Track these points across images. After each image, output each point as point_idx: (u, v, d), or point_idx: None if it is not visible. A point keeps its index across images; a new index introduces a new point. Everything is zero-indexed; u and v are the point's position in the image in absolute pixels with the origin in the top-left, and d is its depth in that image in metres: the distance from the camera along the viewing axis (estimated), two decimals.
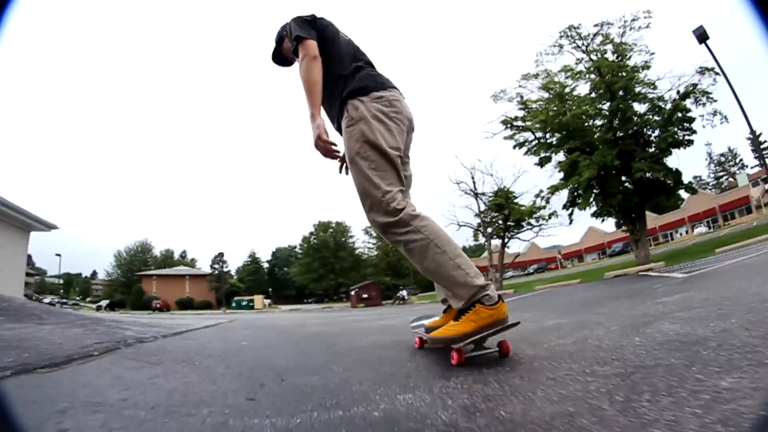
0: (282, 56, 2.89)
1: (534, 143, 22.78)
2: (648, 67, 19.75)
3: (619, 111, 19.53)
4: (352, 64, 2.52)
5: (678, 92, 19.14)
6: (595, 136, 20.58)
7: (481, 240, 30.48)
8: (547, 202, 23.20)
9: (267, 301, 56.12)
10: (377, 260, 74.93)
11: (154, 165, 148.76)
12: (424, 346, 2.72)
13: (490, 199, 28.11)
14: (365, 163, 2.27)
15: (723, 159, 79.69)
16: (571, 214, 21.73)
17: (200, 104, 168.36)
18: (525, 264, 71.99)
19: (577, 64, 21.54)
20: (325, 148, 2.34)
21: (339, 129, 2.50)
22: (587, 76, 21.16)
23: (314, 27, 2.56)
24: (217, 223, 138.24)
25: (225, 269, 75.50)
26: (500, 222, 27.85)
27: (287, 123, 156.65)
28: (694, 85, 18.82)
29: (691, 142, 18.92)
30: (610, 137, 19.90)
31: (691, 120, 18.83)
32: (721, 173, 79.14)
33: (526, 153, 23.10)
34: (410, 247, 2.19)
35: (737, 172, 72.65)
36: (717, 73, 18.29)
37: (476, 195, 28.34)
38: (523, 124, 22.95)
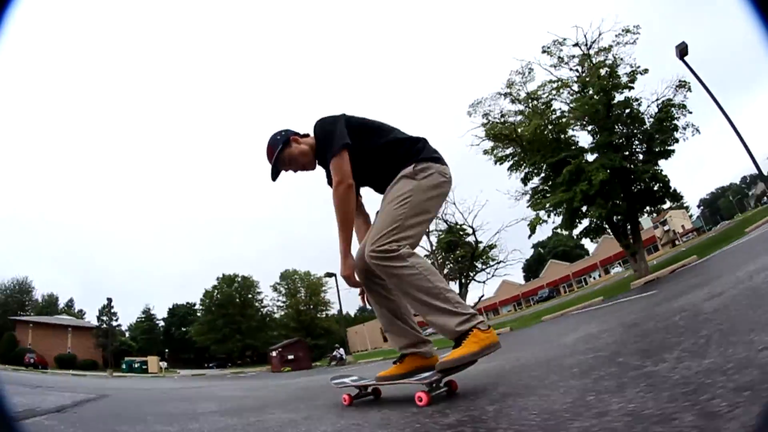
0: (278, 165, 2.88)
1: (515, 157, 23.46)
2: (633, 80, 20.45)
3: (615, 118, 20.51)
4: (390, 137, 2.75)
5: (658, 106, 20.26)
6: (593, 141, 21.25)
7: None
8: (548, 216, 22.38)
9: (163, 364, 49.41)
10: (287, 320, 69.75)
11: (40, 196, 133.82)
12: (354, 403, 2.79)
13: (440, 236, 26.91)
14: (402, 210, 2.48)
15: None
16: (573, 226, 22.42)
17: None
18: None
19: (556, 81, 22.20)
20: (353, 284, 2.73)
21: (382, 190, 2.72)
22: (570, 87, 21.96)
23: (340, 122, 2.68)
24: (109, 273, 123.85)
25: (115, 322, 65.77)
26: (454, 262, 26.76)
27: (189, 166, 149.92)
28: (670, 100, 20.05)
29: (672, 151, 20.08)
30: (611, 141, 20.32)
31: (675, 128, 19.86)
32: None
33: (510, 168, 23.81)
34: (406, 278, 2.37)
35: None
36: (689, 90, 19.71)
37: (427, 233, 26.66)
38: (508, 134, 23.20)
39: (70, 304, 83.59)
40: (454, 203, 26.60)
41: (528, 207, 24.26)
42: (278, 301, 73.97)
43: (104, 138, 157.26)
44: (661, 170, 19.92)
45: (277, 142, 2.82)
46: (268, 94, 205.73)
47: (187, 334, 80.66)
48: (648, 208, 21.89)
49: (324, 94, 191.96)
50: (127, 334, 76.16)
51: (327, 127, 2.69)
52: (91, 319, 70.86)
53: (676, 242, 60.19)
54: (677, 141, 19.92)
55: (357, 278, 2.69)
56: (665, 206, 22.80)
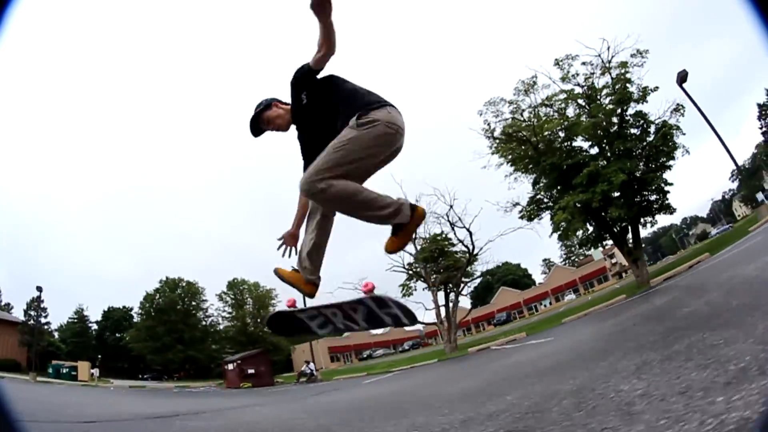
0: (258, 124, 3.24)
1: (525, 160, 24.27)
2: (646, 96, 21.99)
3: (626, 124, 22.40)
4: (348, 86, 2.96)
5: (659, 124, 21.92)
6: (606, 148, 22.83)
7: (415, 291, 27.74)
8: (568, 231, 23.83)
9: (94, 371, 43.93)
10: (234, 332, 65.28)
11: None
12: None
13: (423, 245, 25.75)
14: (338, 154, 2.65)
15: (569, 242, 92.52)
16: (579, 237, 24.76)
17: None
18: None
19: (567, 92, 23.59)
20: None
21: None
22: (576, 101, 23.51)
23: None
24: (41, 268, 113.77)
25: (44, 319, 57.24)
26: (439, 272, 25.73)
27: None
28: (664, 122, 21.72)
29: (670, 167, 22.16)
30: (629, 149, 21.85)
31: (675, 147, 21.78)
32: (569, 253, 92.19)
33: (516, 170, 24.85)
34: (334, 193, 2.61)
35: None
36: (682, 115, 21.82)
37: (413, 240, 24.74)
38: (525, 135, 24.06)
39: None
40: (451, 206, 25.41)
41: (521, 218, 25.66)
42: (224, 311, 69.14)
43: (46, 122, 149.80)
44: (668, 181, 21.88)
45: (260, 105, 3.21)
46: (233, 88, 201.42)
47: (122, 340, 74.96)
48: (647, 218, 23.00)
49: None
50: (56, 335, 68.39)
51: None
52: (19, 315, 63.01)
53: (623, 274, 63.04)
54: (674, 158, 21.95)
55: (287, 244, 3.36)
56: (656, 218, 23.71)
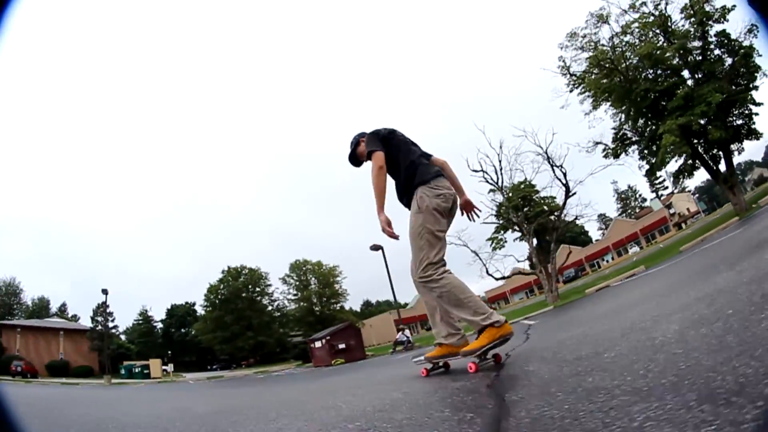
0: (356, 157, 4.27)
1: (614, 90, 23.93)
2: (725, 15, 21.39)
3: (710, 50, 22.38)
4: (413, 157, 3.87)
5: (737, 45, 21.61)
6: (693, 70, 22.63)
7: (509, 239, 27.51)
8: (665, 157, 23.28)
9: (169, 368, 43.72)
10: (300, 313, 63.68)
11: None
12: (430, 374, 3.87)
13: (508, 195, 25.13)
14: (421, 236, 3.57)
15: (624, 195, 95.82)
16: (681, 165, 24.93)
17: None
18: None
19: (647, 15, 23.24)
20: (389, 234, 3.71)
21: (407, 204, 3.84)
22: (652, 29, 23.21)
23: (382, 139, 3.91)
24: (102, 277, 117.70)
25: (111, 323, 58.32)
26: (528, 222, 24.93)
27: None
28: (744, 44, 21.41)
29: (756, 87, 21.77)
30: (713, 71, 21.80)
31: (757, 68, 21.64)
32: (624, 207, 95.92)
33: (602, 102, 25.00)
34: (441, 293, 3.50)
35: (643, 203, 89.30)
36: (755, 36, 20.73)
37: (500, 188, 25.00)
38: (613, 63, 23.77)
39: (62, 308, 78.55)
40: (546, 150, 23.85)
41: (605, 156, 25.78)
42: (289, 294, 67.27)
43: (95, 138, 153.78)
44: (756, 101, 21.73)
45: (352, 143, 4.29)
46: (270, 91, 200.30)
47: (188, 335, 76.43)
48: (736, 144, 23.08)
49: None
50: (122, 338, 69.52)
51: (369, 141, 3.94)
52: (86, 323, 63.90)
53: (683, 225, 61.50)
54: (755, 80, 21.65)
55: (391, 230, 3.71)
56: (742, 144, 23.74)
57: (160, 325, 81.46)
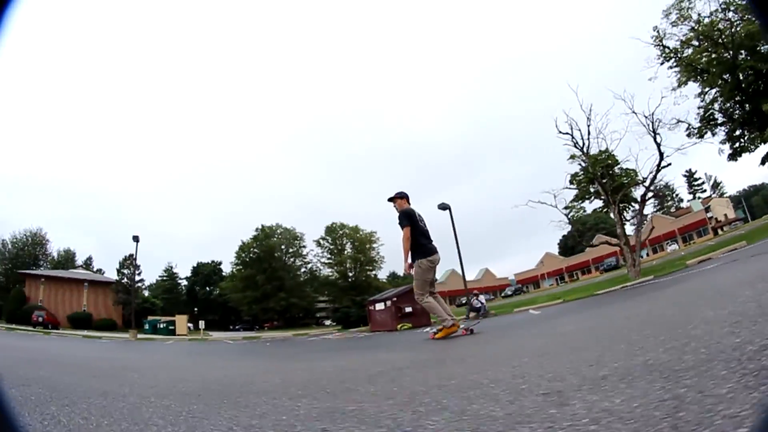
0: (393, 201, 7.64)
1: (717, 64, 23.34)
2: None
3: None
4: (422, 239, 7.21)
5: None
6: None
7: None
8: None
9: (199, 325, 39.95)
10: (334, 277, 61.32)
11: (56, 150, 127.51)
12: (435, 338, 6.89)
13: (594, 160, 24.26)
14: (419, 281, 7.09)
15: (661, 193, 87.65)
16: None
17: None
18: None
19: None
20: (407, 272, 7.48)
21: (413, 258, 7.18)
22: None
23: (412, 220, 7.15)
24: (127, 235, 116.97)
25: (137, 276, 54.50)
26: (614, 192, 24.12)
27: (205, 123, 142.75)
28: None
29: None
30: None
31: None
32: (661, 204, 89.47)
33: (696, 78, 24.75)
34: (426, 306, 7.23)
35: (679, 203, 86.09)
36: None
37: (586, 154, 24.50)
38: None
39: (88, 262, 76.53)
40: (634, 114, 23.66)
41: (688, 135, 25.56)
42: (323, 257, 64.41)
43: (120, 104, 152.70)
44: None
45: (399, 193, 7.59)
46: (294, 55, 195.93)
47: (212, 294, 75.12)
48: None
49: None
50: (145, 293, 66.88)
51: (401, 212, 7.33)
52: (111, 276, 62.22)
53: (719, 231, 59.20)
54: None
55: (410, 271, 7.42)
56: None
57: (184, 283, 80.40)
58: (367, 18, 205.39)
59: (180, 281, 79.66)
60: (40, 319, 39.42)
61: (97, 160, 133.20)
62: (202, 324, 36.49)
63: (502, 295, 69.55)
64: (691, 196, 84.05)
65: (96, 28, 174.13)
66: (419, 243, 7.10)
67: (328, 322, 58.13)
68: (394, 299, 22.24)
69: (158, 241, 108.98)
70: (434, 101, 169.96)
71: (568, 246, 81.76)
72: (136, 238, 32.04)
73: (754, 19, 20.12)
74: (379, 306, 23.45)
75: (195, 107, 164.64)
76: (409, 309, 21.23)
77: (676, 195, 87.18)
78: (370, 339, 12.60)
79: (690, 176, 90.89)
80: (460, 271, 26.97)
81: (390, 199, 7.57)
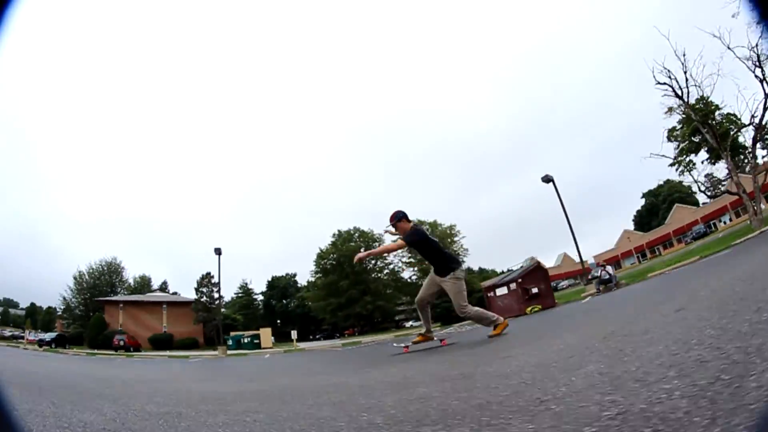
0: (395, 223, 6.79)
1: None
2: None
3: None
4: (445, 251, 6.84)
5: None
6: None
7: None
8: None
9: (275, 338, 38.08)
10: (418, 276, 58.72)
11: (126, 178, 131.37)
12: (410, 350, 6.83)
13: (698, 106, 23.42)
14: (461, 293, 6.36)
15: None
16: None
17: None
18: None
19: None
20: (359, 258, 7.20)
21: (439, 274, 6.54)
22: None
23: (423, 236, 6.67)
24: (199, 260, 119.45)
25: (215, 294, 54.43)
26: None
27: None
28: None
29: None
30: None
31: None
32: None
33: None
34: (472, 317, 6.47)
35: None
36: None
37: (686, 103, 23.70)
38: None
39: (164, 285, 78.25)
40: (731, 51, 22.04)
41: None
42: (403, 257, 61.80)
43: (179, 137, 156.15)
44: None
45: (397, 215, 6.75)
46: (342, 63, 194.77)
47: (289, 305, 75.27)
48: None
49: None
50: (222, 311, 66.83)
51: (410, 234, 6.63)
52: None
53: None
54: None
55: (357, 258, 7.29)
56: None
57: (260, 298, 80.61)
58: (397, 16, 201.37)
59: (255, 296, 79.43)
60: (122, 343, 39.69)
61: (162, 191, 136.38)
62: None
63: (589, 277, 64.00)
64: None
65: (151, 51, 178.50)
66: (447, 255, 6.89)
67: (409, 324, 56.19)
68: (519, 280, 19.99)
69: (229, 260, 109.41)
70: (479, 92, 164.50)
71: (643, 221, 78.36)
72: (218, 251, 32.92)
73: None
74: (501, 291, 21.26)
75: (245, 129, 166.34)
76: (535, 290, 19.30)
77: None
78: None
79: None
80: (570, 252, 25.42)
81: (392, 222, 6.95)
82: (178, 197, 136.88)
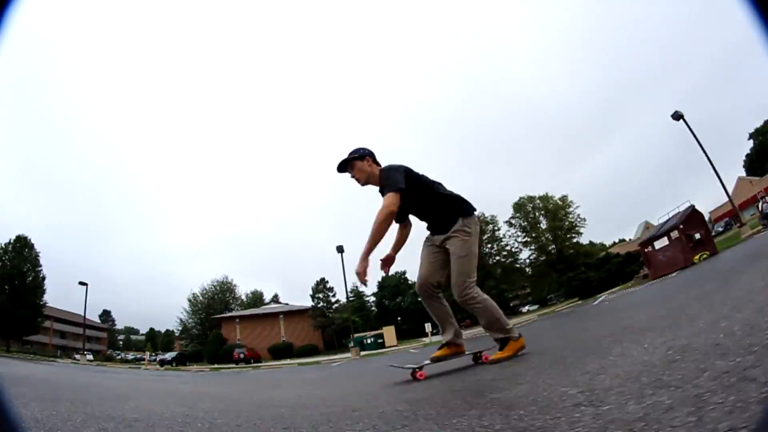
0: (346, 166, 4.16)
1: None
2: None
3: None
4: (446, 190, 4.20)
5: None
6: None
7: None
8: None
9: (428, 329, 34.38)
10: (535, 256, 55.35)
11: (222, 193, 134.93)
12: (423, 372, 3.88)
13: None
14: (472, 258, 3.93)
15: None
16: None
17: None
18: None
19: None
20: (361, 280, 3.81)
21: (439, 230, 4.09)
22: None
23: (408, 174, 3.99)
24: (303, 265, 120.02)
25: (332, 298, 56.23)
26: None
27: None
28: None
29: None
30: None
31: None
32: None
33: None
34: (478, 308, 3.87)
35: None
36: None
37: None
38: None
39: (275, 298, 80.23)
40: None
41: None
42: (518, 238, 57.92)
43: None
44: None
45: (357, 152, 4.14)
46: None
47: (402, 303, 73.46)
48: None
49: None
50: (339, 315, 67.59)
51: (392, 172, 3.94)
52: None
53: None
54: None
55: (365, 277, 3.82)
56: None
57: (371, 299, 80.00)
58: None
59: (367, 298, 78.85)
60: (241, 356, 41.06)
61: (257, 207, 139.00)
62: (428, 327, 31.37)
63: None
64: None
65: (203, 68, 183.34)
66: (449, 196, 4.18)
67: (525, 309, 52.97)
68: (681, 227, 18.08)
69: (334, 266, 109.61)
70: (549, 49, 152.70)
71: (754, 165, 67.55)
72: (340, 249, 33.18)
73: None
74: (661, 242, 19.41)
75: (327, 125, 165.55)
76: (698, 235, 17.59)
77: None
78: None
79: None
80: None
81: (342, 167, 4.22)
82: (276, 212, 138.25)
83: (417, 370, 3.86)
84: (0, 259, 47.36)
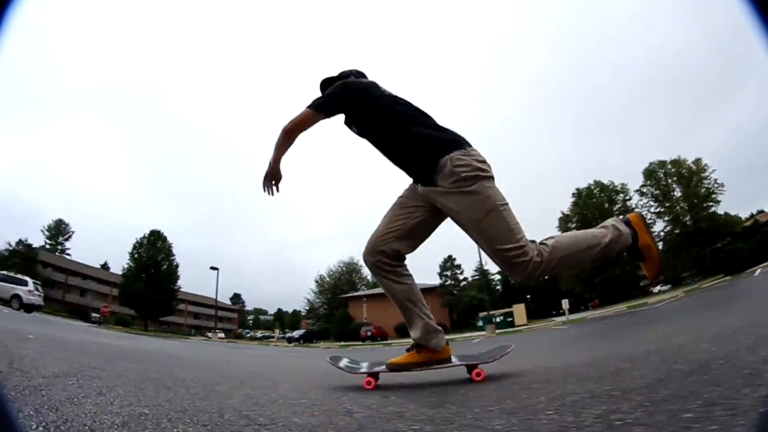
0: (327, 85, 2.95)
1: None
2: None
3: None
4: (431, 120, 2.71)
5: None
6: None
7: None
8: None
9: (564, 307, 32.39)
10: (669, 229, 51.23)
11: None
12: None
13: None
14: (498, 216, 2.39)
15: None
16: None
17: None
18: None
19: None
20: (268, 186, 2.75)
21: (420, 179, 2.60)
22: None
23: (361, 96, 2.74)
24: (430, 241, 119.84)
25: (459, 275, 56.81)
26: None
27: None
28: None
29: None
30: None
31: None
32: None
33: None
34: (558, 268, 2.48)
35: None
36: None
37: None
38: None
39: None
40: None
41: None
42: (649, 207, 52.70)
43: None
44: None
45: (345, 74, 3.01)
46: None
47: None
48: None
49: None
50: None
51: (336, 88, 2.78)
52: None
53: None
54: None
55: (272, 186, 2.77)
56: None
57: (497, 278, 77.36)
58: None
59: (492, 276, 76.22)
60: (369, 333, 43.34)
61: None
62: (565, 303, 30.71)
63: None
64: None
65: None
66: (441, 127, 2.66)
67: (656, 289, 48.59)
68: None
69: (460, 245, 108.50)
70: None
71: None
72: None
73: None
74: None
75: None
76: None
77: None
78: None
79: None
80: None
81: (325, 86, 3.00)
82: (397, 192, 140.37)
83: (369, 377, 2.88)
84: (137, 252, 54.03)
